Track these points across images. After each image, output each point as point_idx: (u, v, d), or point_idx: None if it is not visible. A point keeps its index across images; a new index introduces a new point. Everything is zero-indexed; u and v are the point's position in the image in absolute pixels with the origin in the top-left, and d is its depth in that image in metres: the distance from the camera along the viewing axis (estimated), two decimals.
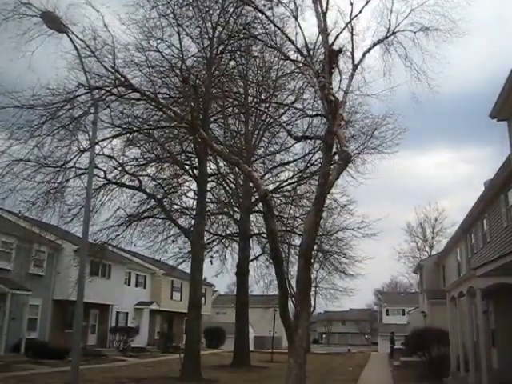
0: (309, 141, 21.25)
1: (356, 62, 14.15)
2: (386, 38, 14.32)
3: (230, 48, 18.88)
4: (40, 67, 15.04)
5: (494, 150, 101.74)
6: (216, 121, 21.15)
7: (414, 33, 14.33)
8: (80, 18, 13.99)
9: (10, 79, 14.71)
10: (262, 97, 20.82)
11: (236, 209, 25.90)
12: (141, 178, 21.26)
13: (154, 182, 22.30)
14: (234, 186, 25.07)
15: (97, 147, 17.24)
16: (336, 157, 15.39)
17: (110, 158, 19.94)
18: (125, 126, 18.73)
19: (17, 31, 13.14)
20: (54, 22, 13.35)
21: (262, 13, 14.24)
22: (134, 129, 18.67)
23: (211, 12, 17.65)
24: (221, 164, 22.75)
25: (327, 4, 13.35)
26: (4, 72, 17.46)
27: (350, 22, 13.81)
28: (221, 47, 18.85)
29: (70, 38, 14.15)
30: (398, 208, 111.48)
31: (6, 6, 12.69)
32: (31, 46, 13.30)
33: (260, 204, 21.62)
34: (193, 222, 22.44)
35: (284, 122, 20.61)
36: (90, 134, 16.63)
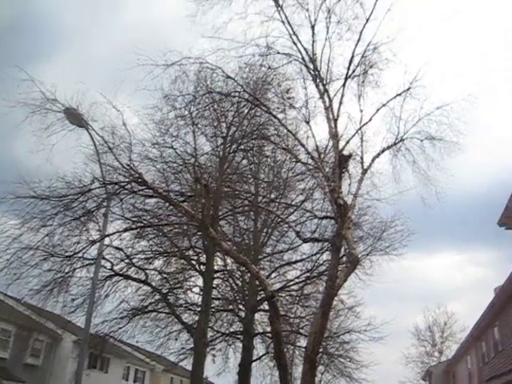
0: None
1: (365, 167, 14.52)
2: (395, 144, 14.77)
3: (242, 147, 19.41)
4: (58, 159, 15.54)
5: (505, 253, 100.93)
6: (225, 217, 21.34)
7: (421, 141, 14.80)
8: (101, 115, 14.60)
9: (28, 169, 15.17)
10: (272, 196, 21.11)
11: (241, 307, 25.54)
12: (147, 271, 21.21)
13: (160, 276, 22.20)
14: (240, 284, 24.87)
15: (106, 238, 17.45)
16: (344, 258, 15.43)
17: (118, 249, 20.02)
18: (135, 219, 18.94)
19: (40, 125, 13.75)
20: (76, 118, 14.00)
21: (274, 116, 14.80)
22: (145, 223, 18.86)
23: (226, 113, 18.34)
24: (228, 261, 22.71)
25: (338, 111, 13.93)
26: (23, 161, 17.99)
27: (359, 128, 14.32)
28: (234, 146, 19.40)
29: (90, 134, 14.76)
30: (407, 309, 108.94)
31: (33, 101, 13.32)
32: (52, 139, 13.83)
33: (266, 302, 21.31)
34: (197, 318, 22.11)
35: (293, 222, 20.77)
36: (101, 225, 16.92)
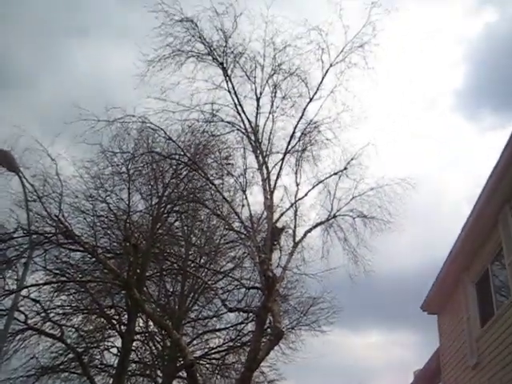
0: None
1: (297, 240, 14.68)
2: (327, 220, 15.09)
3: (177, 209, 19.25)
4: None
5: (427, 337, 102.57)
6: (152, 278, 20.86)
7: (353, 218, 15.21)
8: (34, 162, 14.25)
9: None
10: (202, 261, 20.89)
11: (159, 372, 24.60)
12: (64, 327, 20.16)
13: (76, 333, 21.14)
14: (160, 348, 24.06)
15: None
16: (268, 330, 15.25)
17: (36, 301, 19.00)
18: (57, 272, 18.20)
19: None
20: (7, 161, 13.54)
21: (211, 182, 14.88)
22: (67, 276, 18.14)
23: (164, 173, 18.26)
24: (150, 322, 22.01)
25: (275, 184, 14.19)
26: None
27: (294, 202, 14.59)
28: (168, 207, 19.21)
29: (21, 179, 14.27)
30: None
31: None
32: None
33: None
34: (111, 381, 21.04)
35: (220, 289, 20.51)
36: (20, 274, 16.10)
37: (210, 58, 14.02)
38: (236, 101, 14.14)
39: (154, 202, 19.34)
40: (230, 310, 16.51)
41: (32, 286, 16.31)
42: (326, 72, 14.28)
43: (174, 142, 14.22)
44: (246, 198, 14.57)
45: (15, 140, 13.70)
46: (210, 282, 18.82)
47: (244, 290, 19.03)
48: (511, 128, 9.23)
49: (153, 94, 13.81)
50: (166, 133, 13.88)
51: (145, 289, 20.12)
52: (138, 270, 17.91)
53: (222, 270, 21.31)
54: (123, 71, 21.05)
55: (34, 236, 13.92)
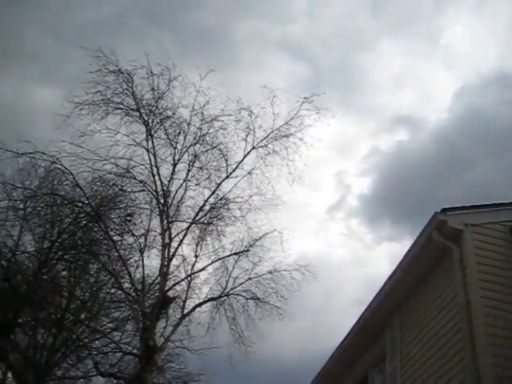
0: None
1: (185, 312, 14.35)
2: (220, 297, 14.91)
3: (68, 257, 18.37)
4: None
5: None
6: (24, 326, 19.45)
7: (246, 299, 15.10)
8: None
9: None
10: (82, 316, 19.81)
11: None
12: None
13: None
14: None
15: None
16: None
17: None
18: None
19: None
20: None
21: (110, 239, 14.42)
22: None
23: (61, 217, 17.50)
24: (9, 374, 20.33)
25: (175, 252, 13.98)
26: None
27: (190, 275, 14.39)
28: (59, 253, 18.30)
29: None
30: None
31: None
32: None
33: None
34: None
35: (95, 349, 19.43)
36: None
37: (137, 114, 14.01)
38: (153, 162, 14.08)
39: (45, 246, 18.37)
40: (102, 374, 15.63)
41: None
42: (248, 153, 14.61)
43: (80, 188, 13.78)
44: (143, 259, 14.24)
45: None
46: (85, 340, 17.77)
47: (120, 354, 18.17)
48: (407, 242, 9.74)
49: (71, 137, 13.48)
50: (74, 178, 13.45)
51: (12, 336, 18.70)
52: (11, 315, 16.70)
53: (101, 329, 20.26)
54: (46, 108, 20.46)
55: None
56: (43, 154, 13.07)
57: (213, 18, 28.50)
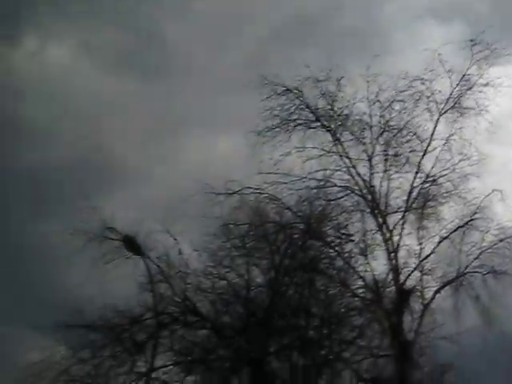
0: None
1: (426, 302, 13.89)
2: (457, 277, 14.16)
3: (295, 280, 18.96)
4: (111, 288, 15.43)
5: None
6: (276, 353, 20.40)
7: (483, 275, 14.16)
8: (157, 244, 14.71)
9: (81, 298, 15.11)
10: (325, 331, 20.19)
11: None
12: None
13: None
14: None
15: None
16: None
17: (165, 383, 19.11)
18: (184, 352, 18.25)
19: (96, 253, 13.92)
20: (133, 247, 14.11)
21: (332, 248, 14.57)
22: (193, 356, 18.12)
23: (279, 244, 18.18)
24: None
25: (398, 244, 13.66)
26: (77, 289, 17.98)
27: (420, 262, 13.88)
28: (286, 279, 18.96)
29: (146, 263, 14.75)
30: None
31: (92, 229, 13.62)
32: (106, 267, 13.91)
33: None
34: None
35: (346, 359, 19.62)
36: (148, 355, 16.30)
37: (319, 123, 14.17)
38: (348, 163, 14.07)
39: (272, 275, 19.18)
40: (364, 381, 15.68)
41: (161, 367, 16.44)
42: (437, 121, 13.97)
43: (291, 211, 14.22)
44: (368, 262, 14.17)
45: (138, 225, 14.27)
46: (346, 355, 18.03)
47: (373, 359, 18.11)
48: None
49: (264, 166, 14.00)
50: (283, 202, 13.94)
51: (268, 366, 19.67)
52: (262, 346, 17.60)
53: (346, 339, 20.48)
54: (229, 153, 21.77)
55: (161, 317, 14.14)
56: (249, 188, 13.76)
57: None
